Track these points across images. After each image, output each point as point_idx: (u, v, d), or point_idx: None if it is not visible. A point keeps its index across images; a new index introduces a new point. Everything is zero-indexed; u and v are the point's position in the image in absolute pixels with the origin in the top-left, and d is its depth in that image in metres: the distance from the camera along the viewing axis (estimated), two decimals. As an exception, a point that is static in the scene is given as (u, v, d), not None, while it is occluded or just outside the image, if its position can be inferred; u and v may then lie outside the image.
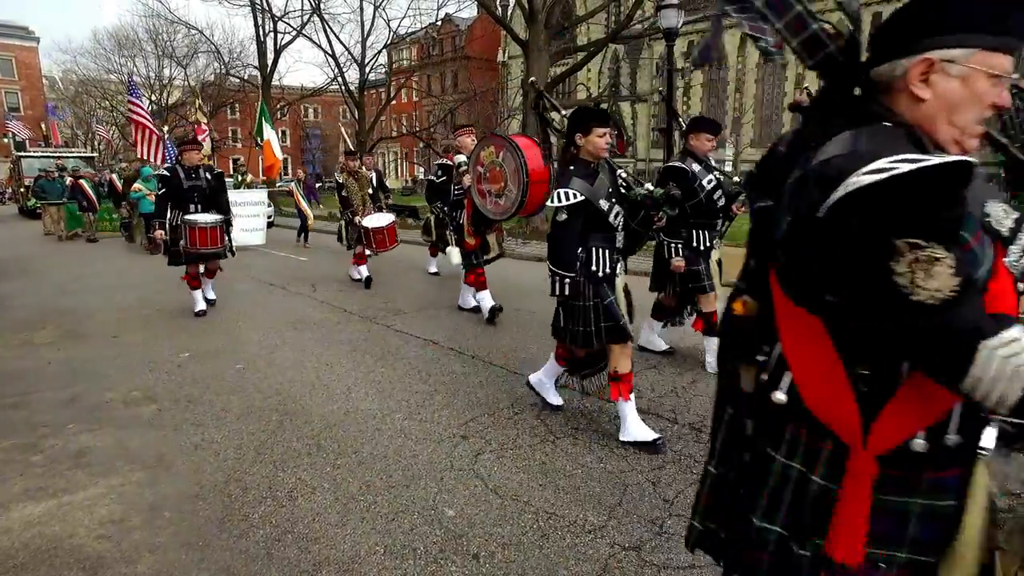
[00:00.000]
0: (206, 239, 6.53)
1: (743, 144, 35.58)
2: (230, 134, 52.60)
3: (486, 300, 6.39)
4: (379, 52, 26.68)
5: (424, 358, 5.20)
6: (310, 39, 26.19)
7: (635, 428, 3.48)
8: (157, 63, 38.15)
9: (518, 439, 3.60)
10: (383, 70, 33.35)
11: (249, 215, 12.74)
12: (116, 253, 12.68)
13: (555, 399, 4.05)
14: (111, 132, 33.93)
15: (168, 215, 6.61)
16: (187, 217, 6.50)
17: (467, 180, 5.65)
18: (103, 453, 3.52)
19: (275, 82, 27.80)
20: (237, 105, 40.44)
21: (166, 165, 7.11)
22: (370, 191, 8.38)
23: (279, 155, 14.24)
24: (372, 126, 26.01)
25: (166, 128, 13.61)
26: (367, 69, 25.55)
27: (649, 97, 45.86)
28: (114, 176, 16.56)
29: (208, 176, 6.79)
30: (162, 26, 34.26)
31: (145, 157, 13.02)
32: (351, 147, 11.72)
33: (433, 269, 9.07)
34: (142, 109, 13.42)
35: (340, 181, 8.24)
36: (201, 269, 6.98)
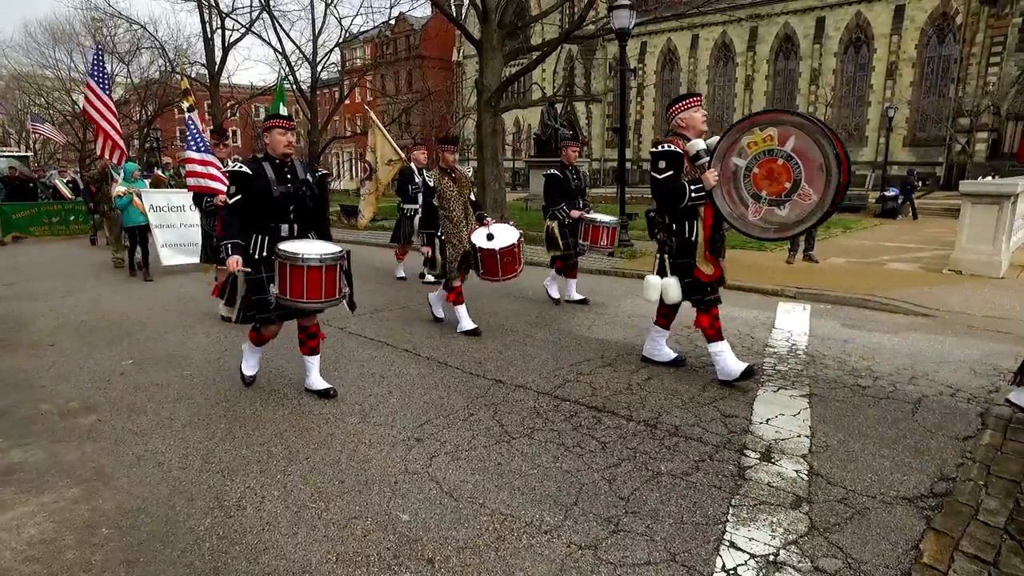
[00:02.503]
0: (318, 286, 3.86)
1: (695, 144, 36.22)
2: (178, 133, 51.04)
3: (663, 352, 4.79)
4: (331, 50, 26.21)
5: (378, 360, 5.11)
6: (260, 36, 25.47)
7: None
8: (97, 59, 36.59)
9: (473, 440, 3.57)
10: (335, 69, 32.83)
11: None
12: (55, 257, 12.10)
13: None
14: (53, 128, 32.39)
15: (245, 241, 4.00)
16: (285, 249, 3.84)
17: (711, 178, 4.09)
18: (34, 469, 3.33)
19: (224, 80, 27.02)
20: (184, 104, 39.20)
21: (237, 159, 4.84)
22: (471, 197, 6.07)
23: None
24: (325, 126, 25.55)
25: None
26: (319, 68, 25.05)
27: (603, 97, 46.37)
28: (59, 183, 15.83)
29: (309, 178, 4.17)
30: (102, 19, 32.89)
31: (103, 156, 10.46)
32: (389, 139, 9.04)
33: (555, 294, 7.23)
34: (95, 94, 10.39)
35: (431, 184, 5.81)
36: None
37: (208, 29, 24.47)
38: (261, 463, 3.34)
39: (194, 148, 6.77)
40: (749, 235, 4.15)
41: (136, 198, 9.17)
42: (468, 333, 5.82)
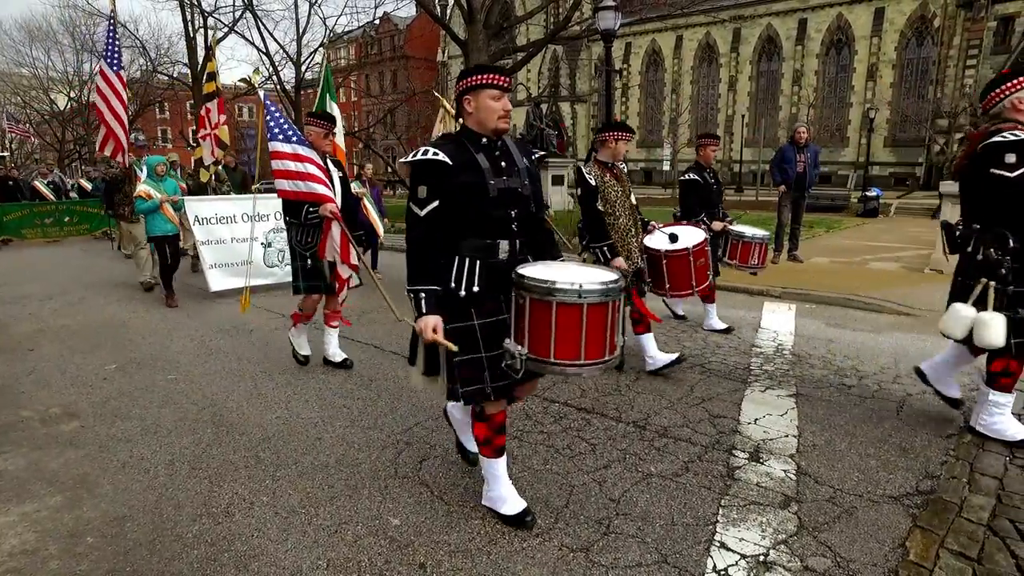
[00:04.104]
0: (601, 335, 2.44)
1: (680, 144, 36.52)
2: (159, 134, 50.50)
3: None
4: (315, 50, 26.08)
5: (366, 363, 5.08)
6: (243, 36, 25.28)
7: None
8: (76, 57, 36.13)
9: (464, 443, 3.56)
10: (319, 69, 32.64)
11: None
12: (36, 258, 11.89)
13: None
14: (28, 128, 31.89)
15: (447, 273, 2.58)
16: (542, 277, 2.42)
17: None
18: (15, 477, 3.27)
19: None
20: (166, 104, 38.80)
21: (424, 148, 2.55)
22: (633, 199, 4.59)
23: (342, 146, 8.84)
24: (310, 126, 25.35)
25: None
26: (303, 68, 24.90)
27: (588, 97, 46.51)
28: (39, 184, 15.44)
29: (527, 163, 2.74)
30: (80, 18, 32.47)
31: (102, 152, 8.67)
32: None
33: (680, 310, 6.25)
34: (104, 78, 8.40)
35: (592, 183, 4.32)
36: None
37: (190, 28, 24.22)
38: (249, 468, 3.31)
39: (281, 139, 4.73)
40: None
41: (168, 206, 7.30)
42: (660, 371, 4.61)
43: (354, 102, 51.98)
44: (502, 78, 2.53)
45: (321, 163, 4.65)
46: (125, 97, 8.49)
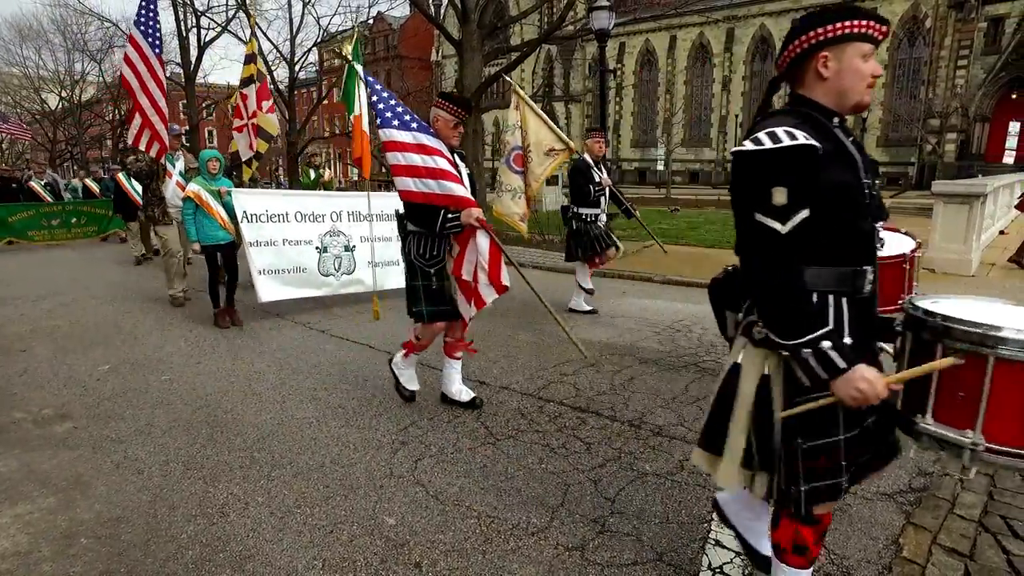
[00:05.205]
0: None
1: (674, 143, 36.60)
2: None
3: None
4: (309, 50, 26.03)
5: (360, 363, 5.08)
6: (236, 35, 25.15)
7: None
8: (67, 57, 35.93)
9: (458, 443, 3.56)
10: (313, 69, 32.56)
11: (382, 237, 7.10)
12: (31, 259, 11.81)
13: None
14: (22, 125, 31.65)
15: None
16: (977, 319, 1.70)
17: None
18: (7, 479, 3.25)
19: (200, 80, 26.66)
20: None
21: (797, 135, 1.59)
22: None
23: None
24: (303, 126, 25.34)
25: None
26: (297, 67, 24.86)
27: (582, 97, 46.57)
28: (35, 184, 15.22)
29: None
30: (71, 17, 32.30)
31: (137, 146, 7.28)
32: (548, 121, 6.57)
33: None
34: (139, 51, 6.88)
35: None
36: None
37: (183, 28, 24.13)
38: (244, 469, 3.30)
39: (398, 125, 3.71)
40: None
41: (222, 213, 6.30)
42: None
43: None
44: (880, 26, 1.70)
45: (451, 157, 3.73)
46: (164, 82, 7.14)
